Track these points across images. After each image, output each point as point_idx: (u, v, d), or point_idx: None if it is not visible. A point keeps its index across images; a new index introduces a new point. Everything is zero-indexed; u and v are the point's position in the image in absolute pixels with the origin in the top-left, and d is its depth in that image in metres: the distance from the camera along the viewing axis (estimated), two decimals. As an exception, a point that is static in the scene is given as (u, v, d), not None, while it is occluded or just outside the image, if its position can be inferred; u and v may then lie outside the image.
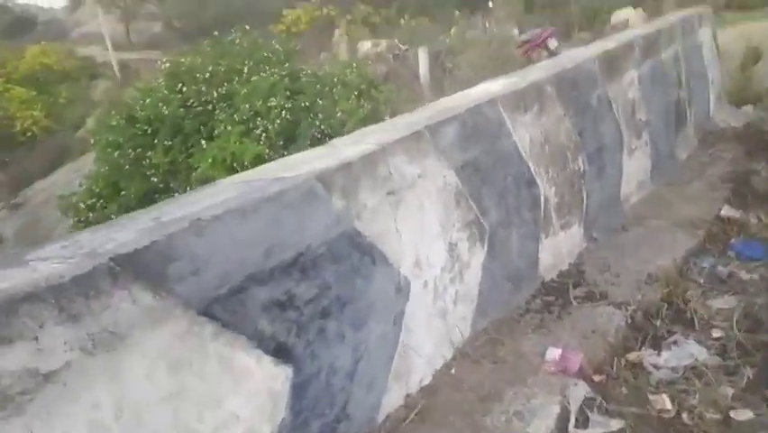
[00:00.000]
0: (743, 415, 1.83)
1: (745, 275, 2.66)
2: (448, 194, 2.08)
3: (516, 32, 11.44)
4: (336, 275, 1.60)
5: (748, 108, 5.17)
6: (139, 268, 1.13)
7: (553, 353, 2.01)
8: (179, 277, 1.19)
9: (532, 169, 2.57)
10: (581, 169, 2.92)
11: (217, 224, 1.31)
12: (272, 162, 1.94)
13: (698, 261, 2.78)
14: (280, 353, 1.43)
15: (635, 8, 13.54)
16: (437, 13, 17.90)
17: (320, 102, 6.51)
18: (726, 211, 3.22)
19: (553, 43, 9.84)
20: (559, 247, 2.73)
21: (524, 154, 2.52)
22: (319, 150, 1.96)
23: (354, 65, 8.06)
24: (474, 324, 2.17)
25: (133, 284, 1.12)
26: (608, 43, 3.55)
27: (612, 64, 3.28)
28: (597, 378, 1.95)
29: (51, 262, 1.15)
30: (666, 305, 2.40)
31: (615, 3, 14.51)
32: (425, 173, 1.97)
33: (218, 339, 1.28)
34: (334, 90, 6.98)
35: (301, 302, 1.48)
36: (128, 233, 1.22)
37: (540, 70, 2.97)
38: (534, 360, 2.02)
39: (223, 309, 1.28)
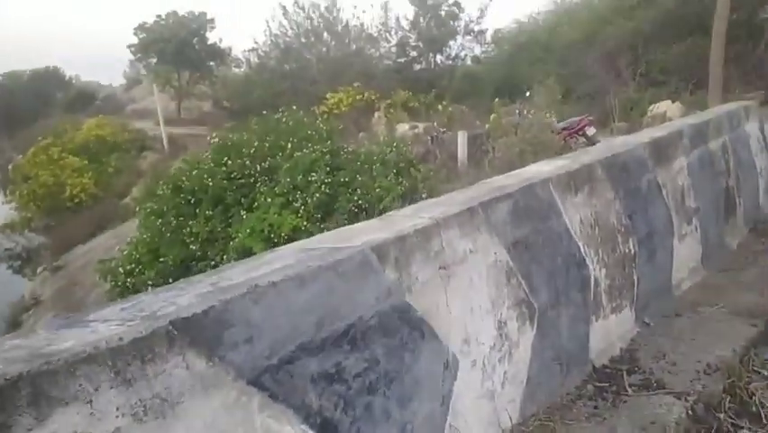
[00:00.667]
0: None
1: (812, 369, 2.48)
2: (498, 271, 2.04)
3: (554, 119, 11.68)
4: (385, 349, 1.55)
5: (798, 198, 5.01)
6: (195, 333, 1.12)
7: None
8: (233, 344, 1.17)
9: (582, 249, 2.53)
10: (632, 252, 2.85)
11: (273, 291, 1.30)
12: (329, 232, 1.95)
13: (759, 351, 2.61)
14: (326, 429, 1.37)
15: (672, 102, 13.73)
16: (474, 100, 18.52)
17: (359, 178, 6.66)
18: (786, 302, 3.06)
19: (590, 131, 9.99)
20: (610, 331, 2.62)
21: (574, 235, 2.49)
22: (374, 222, 1.98)
23: (394, 144, 8.30)
24: (523, 407, 2.06)
25: (189, 349, 1.10)
26: (658, 131, 3.58)
27: (662, 150, 3.29)
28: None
29: (111, 324, 1.15)
30: (729, 397, 2.24)
31: (652, 97, 14.78)
32: (477, 249, 1.96)
33: (265, 411, 1.23)
34: (374, 168, 7.16)
35: (350, 375, 1.43)
36: (187, 297, 1.21)
37: (591, 154, 3.00)
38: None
39: (272, 380, 1.24)
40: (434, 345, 1.71)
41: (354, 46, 27.41)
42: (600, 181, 2.71)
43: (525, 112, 9.83)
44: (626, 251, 2.80)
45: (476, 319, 1.90)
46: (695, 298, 3.11)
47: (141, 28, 31.03)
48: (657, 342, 2.64)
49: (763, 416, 2.17)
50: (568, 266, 2.43)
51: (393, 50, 27.25)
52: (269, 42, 27.41)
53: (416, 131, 13.83)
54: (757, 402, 2.24)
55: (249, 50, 28.77)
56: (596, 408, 2.15)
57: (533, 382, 2.12)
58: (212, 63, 32.46)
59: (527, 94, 13.32)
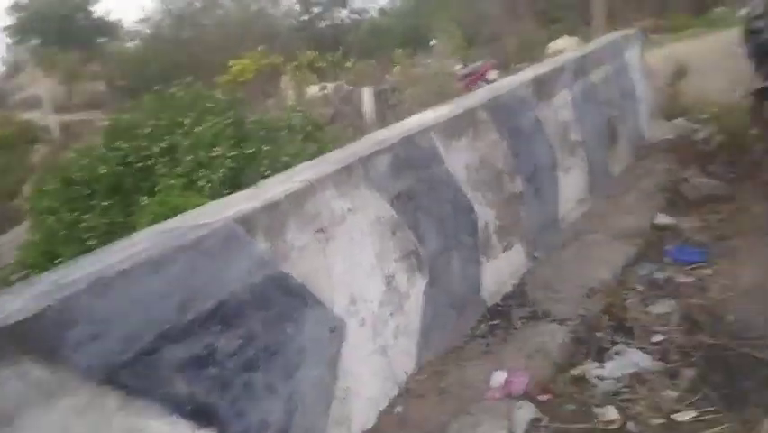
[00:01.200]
0: (685, 416, 1.85)
1: (681, 278, 2.73)
2: (383, 226, 2.07)
3: (458, 67, 11.80)
4: (263, 322, 1.55)
5: (679, 121, 5.39)
6: (29, 339, 1.06)
7: (498, 377, 2.00)
8: (77, 344, 1.12)
9: (469, 193, 2.61)
10: (519, 190, 2.98)
11: (123, 280, 1.25)
12: (196, 209, 1.90)
13: (636, 269, 2.84)
14: (201, 415, 1.35)
15: (570, 37, 14.18)
16: (382, 54, 18.34)
17: (265, 148, 6.49)
18: (661, 219, 3.32)
19: (492, 75, 10.19)
20: (501, 270, 2.75)
21: (459, 180, 2.56)
22: (244, 192, 1.94)
23: (298, 108, 8.10)
24: (419, 357, 2.14)
25: (22, 357, 1.04)
26: (540, 68, 3.69)
27: (544, 87, 3.40)
28: (543, 397, 1.94)
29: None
30: (608, 316, 2.43)
31: (552, 34, 15.21)
32: (356, 207, 1.97)
33: (124, 409, 1.20)
34: (280, 135, 6.99)
35: (224, 356, 1.42)
36: (21, 300, 1.15)
37: (474, 98, 3.05)
38: (479, 387, 2.00)
39: (130, 375, 1.21)
40: (318, 311, 1.73)
41: (255, 7, 26.23)
42: (484, 124, 2.78)
43: (430, 61, 9.86)
44: (513, 190, 2.92)
45: (361, 278, 1.93)
46: (581, 227, 3.31)
47: (15, 7, 28.11)
48: (545, 274, 2.80)
49: (636, 328, 2.38)
50: (456, 212, 2.51)
51: (296, 7, 26.37)
52: (160, 11, 25.73)
53: (326, 91, 13.58)
54: (632, 318, 2.45)
55: (140, 21, 26.92)
56: (488, 345, 2.27)
57: (427, 330, 2.20)
58: (102, 39, 30.06)
59: (433, 43, 13.36)
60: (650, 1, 16.25)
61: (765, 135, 4.03)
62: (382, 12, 27.19)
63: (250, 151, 6.36)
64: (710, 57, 7.81)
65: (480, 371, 2.09)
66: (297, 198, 1.75)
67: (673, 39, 11.75)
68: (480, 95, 3.06)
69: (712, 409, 1.87)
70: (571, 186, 3.52)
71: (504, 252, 2.79)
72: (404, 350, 2.08)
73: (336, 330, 1.77)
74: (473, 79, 9.81)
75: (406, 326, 2.10)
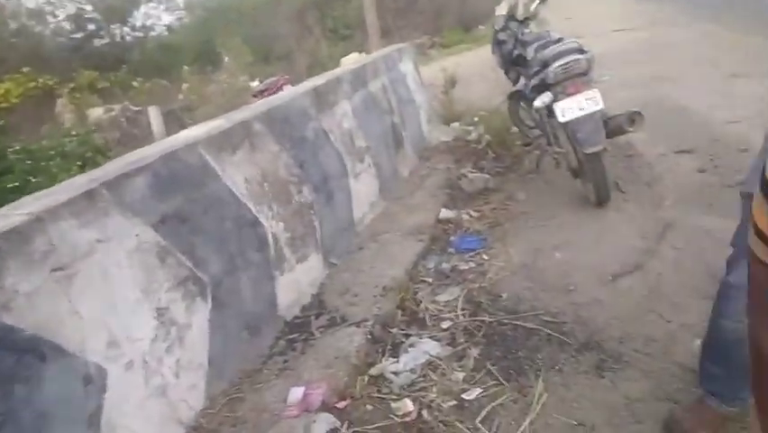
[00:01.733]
0: (472, 394, 1.96)
1: (463, 266, 2.95)
2: (146, 253, 1.84)
3: (254, 83, 11.62)
4: (-18, 389, 1.24)
5: (454, 125, 5.93)
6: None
7: (296, 393, 1.91)
8: None
9: (253, 208, 2.48)
10: (308, 199, 2.94)
11: None
12: None
13: (425, 262, 3.00)
14: None
15: (359, 53, 14.91)
16: (172, 73, 17.30)
17: (33, 180, 5.61)
18: (444, 213, 3.57)
19: (288, 89, 10.22)
20: (298, 282, 2.68)
21: (240, 195, 2.42)
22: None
23: (74, 133, 7.17)
24: (209, 389, 1.95)
25: None
26: (318, 80, 3.71)
27: (323, 98, 3.43)
28: (341, 405, 1.90)
29: None
30: (401, 311, 2.50)
31: (343, 50, 15.82)
32: (109, 236, 1.72)
33: None
34: (52, 163, 6.11)
35: None
36: None
37: (248, 110, 2.93)
38: (277, 408, 1.89)
39: None
40: (64, 363, 1.46)
41: (14, 25, 22.77)
42: (261, 136, 2.68)
43: (223, 78, 9.52)
44: (302, 200, 2.87)
45: (124, 315, 1.69)
46: (375, 229, 3.41)
47: None
48: (343, 279, 2.81)
49: (428, 319, 2.49)
50: (240, 229, 2.37)
51: (67, 25, 23.52)
52: None
53: (112, 113, 12.34)
54: (423, 309, 2.56)
55: None
56: (286, 361, 2.18)
57: (217, 359, 2.02)
58: None
59: (226, 60, 12.98)
60: (425, 19, 17.91)
61: (522, 133, 4.61)
62: (170, 29, 25.71)
63: (12, 184, 5.43)
64: (476, 68, 8.81)
65: (278, 391, 1.98)
66: (19, 235, 1.45)
67: (447, 53, 13.08)
68: (256, 107, 2.96)
69: (495, 382, 2.02)
70: (362, 191, 3.61)
71: (299, 263, 2.72)
72: (189, 386, 1.87)
73: (93, 381, 1.51)
74: (269, 94, 9.73)
75: (189, 359, 1.90)
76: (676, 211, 3.13)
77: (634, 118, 3.25)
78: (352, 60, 14.36)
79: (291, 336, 2.34)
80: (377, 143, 4.05)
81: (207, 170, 2.27)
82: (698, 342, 2.05)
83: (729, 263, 1.42)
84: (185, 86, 9.69)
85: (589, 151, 3.15)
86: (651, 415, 1.75)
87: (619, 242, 2.92)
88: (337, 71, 4.23)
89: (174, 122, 9.02)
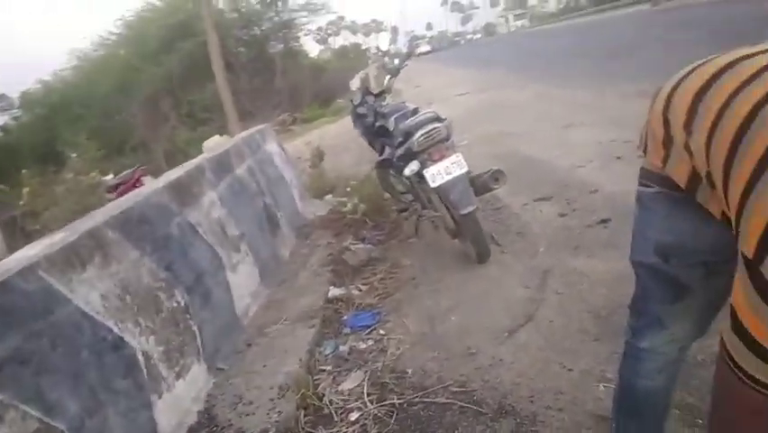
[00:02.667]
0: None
1: (362, 345, 2.81)
2: (-23, 415, 1.48)
3: (108, 177, 10.84)
4: None
5: (327, 197, 5.91)
6: None
7: None
8: None
9: (115, 327, 2.16)
10: (182, 303, 2.65)
11: None
12: None
13: (321, 349, 2.82)
14: None
15: (221, 135, 14.67)
16: (10, 177, 15.66)
17: None
18: (333, 292, 3.44)
19: (147, 181, 9.65)
20: (181, 399, 2.35)
21: (96, 315, 2.09)
22: None
23: None
24: None
25: None
26: (176, 172, 3.47)
27: (185, 190, 3.20)
28: None
29: None
30: (303, 411, 2.28)
31: (204, 135, 15.49)
32: None
33: None
34: None
35: None
36: None
37: (95, 217, 2.61)
38: None
39: None
40: None
41: None
42: (116, 244, 2.39)
43: (70, 176, 8.73)
44: (174, 305, 2.58)
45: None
46: (262, 320, 3.17)
47: None
48: (233, 385, 2.53)
49: (333, 413, 2.29)
50: (101, 356, 2.03)
51: None
52: None
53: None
54: (327, 402, 2.36)
55: None
56: (176, 503, 1.84)
57: None
58: None
59: (73, 156, 12.01)
60: (282, 97, 18.26)
61: (395, 199, 4.69)
62: (5, 129, 23.53)
63: None
64: (340, 139, 9.04)
65: None
66: None
67: (309, 128, 13.33)
68: (106, 212, 2.65)
69: (415, 473, 1.87)
70: (242, 282, 3.36)
71: (180, 378, 2.40)
72: None
73: None
74: (126, 188, 9.08)
75: None
76: (549, 257, 3.29)
77: (497, 176, 3.43)
78: (214, 143, 14.07)
79: (179, 470, 2.00)
80: (251, 229, 3.86)
81: (52, 294, 1.94)
82: (601, 387, 2.09)
83: (636, 329, 1.44)
84: (25, 190, 8.74)
85: (464, 212, 3.24)
86: (577, 476, 1.70)
87: (506, 295, 2.98)
88: (198, 160, 4.02)
89: (16, 232, 7.98)
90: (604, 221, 3.54)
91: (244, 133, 5.35)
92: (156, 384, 2.23)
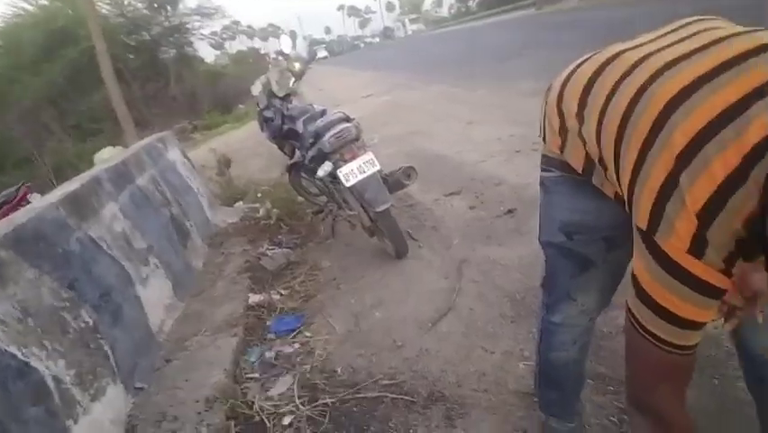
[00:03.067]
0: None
1: (288, 349, 2.78)
2: None
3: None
4: None
5: (238, 204, 5.75)
6: None
7: None
8: None
9: (19, 353, 1.98)
10: (90, 322, 2.48)
11: None
12: None
13: (246, 357, 2.75)
14: None
15: (114, 146, 13.75)
16: None
17: None
18: (253, 298, 3.36)
19: (35, 197, 8.84)
20: (99, 423, 2.20)
21: (-3, 342, 1.91)
22: None
23: None
24: None
25: None
26: (71, 185, 3.23)
27: (82, 203, 2.98)
28: None
29: None
30: (233, 421, 2.22)
31: (94, 146, 14.43)
32: None
33: None
34: None
35: None
36: None
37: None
38: None
39: None
40: None
41: None
42: (9, 264, 2.19)
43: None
44: (82, 325, 2.41)
45: None
46: (180, 334, 3.03)
47: None
48: (155, 403, 2.40)
49: (265, 419, 2.25)
50: (4, 383, 1.85)
51: None
52: None
53: None
54: (258, 409, 2.31)
55: None
56: None
57: None
58: None
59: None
60: (180, 106, 17.50)
61: (309, 202, 4.67)
62: None
63: None
64: (246, 144, 8.83)
65: None
66: None
67: (212, 135, 12.88)
68: (-4, 231, 2.42)
69: (354, 467, 1.88)
70: (154, 296, 3.20)
71: (95, 400, 2.24)
72: None
73: None
74: (11, 207, 8.25)
75: None
76: (464, 248, 3.44)
77: (409, 173, 3.53)
78: (106, 156, 13.16)
79: (103, 498, 1.88)
80: (159, 240, 3.67)
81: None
82: (521, 365, 2.22)
83: (549, 306, 1.55)
84: None
85: (379, 209, 3.30)
86: (507, 449, 1.80)
87: (426, 287, 3.08)
88: (94, 171, 3.77)
89: None
90: (510, 211, 3.76)
91: (143, 142, 5.07)
92: (70, 409, 2.07)
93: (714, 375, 1.84)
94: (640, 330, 0.97)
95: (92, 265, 2.75)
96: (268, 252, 4.15)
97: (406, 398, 2.18)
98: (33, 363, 2.01)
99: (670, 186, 0.84)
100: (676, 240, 0.84)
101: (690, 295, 0.88)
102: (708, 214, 0.81)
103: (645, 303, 0.94)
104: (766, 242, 0.80)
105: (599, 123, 1.04)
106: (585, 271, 1.41)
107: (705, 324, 0.94)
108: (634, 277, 0.95)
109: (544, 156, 1.38)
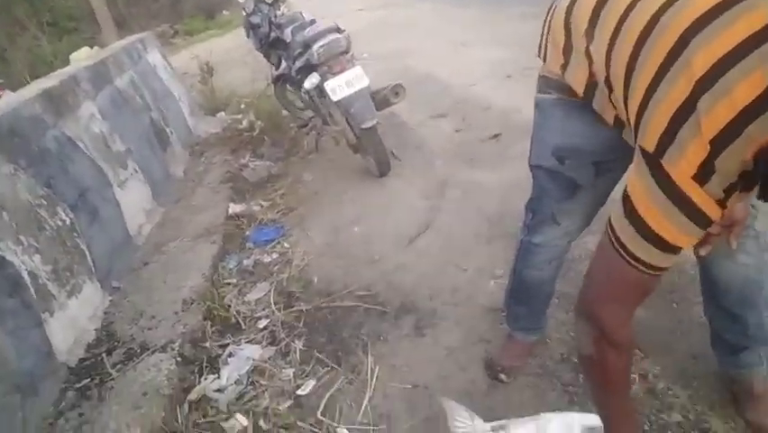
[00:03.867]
0: (307, 388, 1.88)
1: (266, 258, 2.82)
2: None
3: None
4: None
5: (221, 114, 5.61)
6: None
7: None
8: None
9: (-8, 246, 1.98)
10: (67, 221, 2.47)
11: None
12: None
13: (225, 264, 2.79)
14: None
15: (91, 47, 13.15)
16: None
17: None
18: (233, 208, 3.36)
19: (8, 95, 8.53)
20: (76, 318, 2.24)
21: (-31, 233, 1.90)
22: None
23: None
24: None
25: None
26: (48, 82, 3.10)
27: (60, 101, 2.88)
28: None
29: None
30: (210, 322, 2.28)
31: (70, 46, 13.75)
32: None
33: None
34: None
35: None
36: None
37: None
38: (84, 476, 1.56)
39: None
40: None
41: None
42: (-17, 156, 2.14)
43: None
44: (59, 223, 2.40)
45: None
46: (158, 239, 3.05)
47: None
48: (132, 302, 2.44)
49: (241, 322, 2.31)
50: (-21, 274, 1.87)
51: None
52: None
53: None
54: (234, 312, 2.37)
55: None
56: (81, 414, 1.80)
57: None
58: None
59: None
60: (162, 8, 16.60)
61: (294, 115, 4.57)
62: None
63: None
64: (231, 53, 8.49)
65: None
66: None
67: (194, 41, 12.34)
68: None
69: (326, 369, 1.97)
70: (133, 199, 3.18)
71: (71, 296, 2.27)
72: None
73: None
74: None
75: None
76: (447, 169, 3.44)
77: (397, 91, 3.45)
78: (84, 56, 12.61)
79: (81, 384, 1.94)
80: (139, 145, 3.60)
81: None
82: (492, 282, 2.29)
83: (531, 227, 1.57)
84: None
85: (365, 126, 3.25)
86: (472, 359, 1.89)
87: (407, 205, 3.10)
88: (71, 69, 3.62)
89: None
90: (496, 135, 3.73)
91: (122, 42, 4.84)
92: (46, 303, 2.10)
93: (674, 300, 1.92)
94: (617, 245, 0.99)
95: (69, 164, 2.70)
96: (250, 163, 4.11)
97: (379, 308, 2.25)
98: (9, 257, 2.01)
99: (686, 110, 0.82)
100: (685, 164, 0.84)
101: (683, 221, 0.89)
102: (722, 141, 0.80)
103: (633, 223, 0.94)
104: None
105: (612, 40, 1.00)
106: (573, 195, 1.42)
107: (682, 249, 0.96)
108: (626, 197, 0.95)
109: (542, 77, 1.35)
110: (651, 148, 0.88)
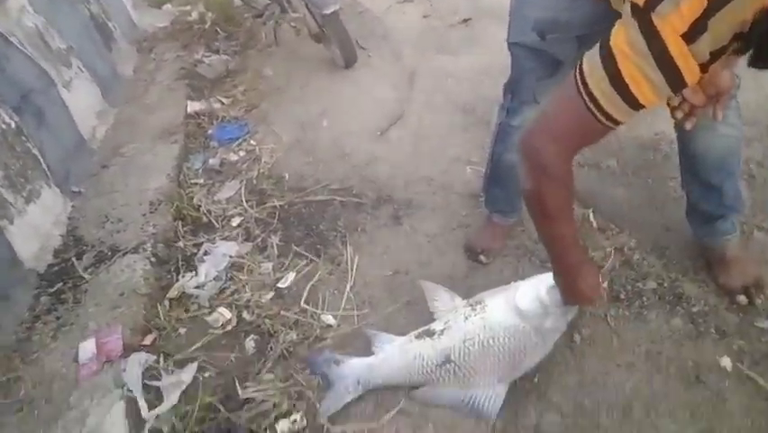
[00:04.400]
0: (287, 280, 1.89)
1: (233, 157, 2.71)
2: None
3: None
4: None
5: (167, 7, 5.16)
6: None
7: (87, 348, 1.58)
8: None
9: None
10: (13, 125, 2.28)
11: None
12: None
13: (189, 164, 2.67)
14: None
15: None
16: None
17: None
18: (192, 106, 3.17)
19: None
20: (38, 224, 2.14)
21: None
22: None
23: None
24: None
25: None
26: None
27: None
28: (148, 340, 1.65)
29: None
30: (181, 222, 2.22)
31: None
32: None
33: None
34: None
35: None
36: None
37: None
38: (69, 372, 1.55)
39: None
40: None
41: None
42: None
43: None
44: (3, 126, 2.21)
45: None
46: (115, 141, 2.88)
47: None
48: (96, 206, 2.34)
49: (213, 220, 2.25)
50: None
51: None
52: None
53: None
54: (205, 212, 2.30)
55: None
56: (59, 318, 1.77)
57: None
58: None
59: None
60: None
61: (248, 5, 4.23)
62: None
63: None
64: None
65: (60, 354, 1.61)
66: None
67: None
68: None
69: (306, 262, 1.96)
70: (81, 100, 2.95)
71: (30, 202, 2.15)
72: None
73: None
74: None
75: None
76: (415, 58, 3.29)
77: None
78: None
79: (54, 288, 1.89)
80: (80, 41, 3.29)
81: None
82: (468, 169, 2.27)
83: (510, 109, 1.52)
84: None
85: (327, 11, 3.03)
86: (451, 244, 1.91)
87: (375, 97, 2.98)
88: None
89: None
90: (465, 20, 3.56)
91: None
92: (5, 211, 1.98)
93: (648, 177, 1.94)
94: (580, 84, 0.98)
95: (4, 63, 2.45)
96: (204, 59, 3.84)
97: (355, 200, 2.22)
98: (-47, 160, 1.87)
99: None
100: (677, 20, 0.81)
101: (657, 78, 0.87)
102: None
103: (608, 71, 0.92)
104: None
105: None
106: (554, 73, 1.38)
107: (645, 108, 0.94)
108: (606, 43, 0.92)
109: None
110: (641, 2, 0.85)
